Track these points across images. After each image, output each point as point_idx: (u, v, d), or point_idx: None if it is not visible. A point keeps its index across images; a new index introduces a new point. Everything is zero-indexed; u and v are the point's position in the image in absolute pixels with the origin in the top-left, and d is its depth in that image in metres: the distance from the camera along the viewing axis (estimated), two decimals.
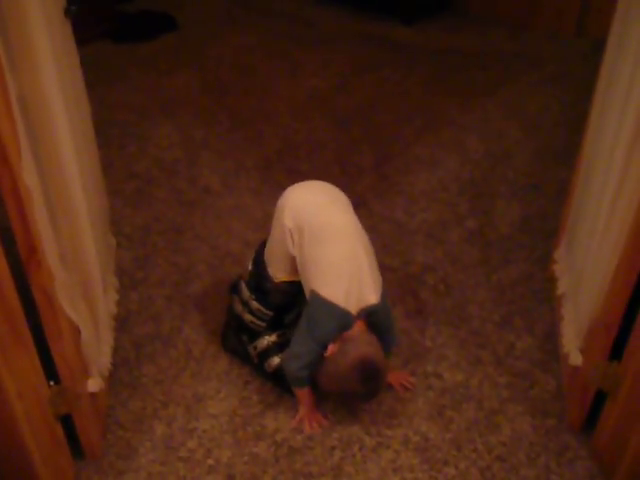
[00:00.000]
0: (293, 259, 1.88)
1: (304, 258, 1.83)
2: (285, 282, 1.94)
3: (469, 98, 3.29)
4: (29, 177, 1.37)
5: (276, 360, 1.95)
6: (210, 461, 1.83)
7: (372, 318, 1.82)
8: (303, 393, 1.92)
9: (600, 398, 1.82)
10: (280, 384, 1.97)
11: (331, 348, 1.79)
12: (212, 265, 2.40)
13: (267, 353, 1.98)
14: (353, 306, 1.78)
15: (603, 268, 1.71)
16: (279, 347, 1.96)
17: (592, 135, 1.94)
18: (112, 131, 3.02)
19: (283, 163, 2.86)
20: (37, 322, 1.54)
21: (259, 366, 2.00)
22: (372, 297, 1.79)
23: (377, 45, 3.82)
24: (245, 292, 2.00)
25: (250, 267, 2.02)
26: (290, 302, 1.97)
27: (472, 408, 1.97)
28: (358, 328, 1.80)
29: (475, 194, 2.72)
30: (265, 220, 2.44)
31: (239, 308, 2.02)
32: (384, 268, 2.37)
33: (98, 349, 1.77)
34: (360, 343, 1.79)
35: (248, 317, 1.99)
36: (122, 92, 3.29)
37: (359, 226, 1.89)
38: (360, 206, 2.65)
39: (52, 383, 1.64)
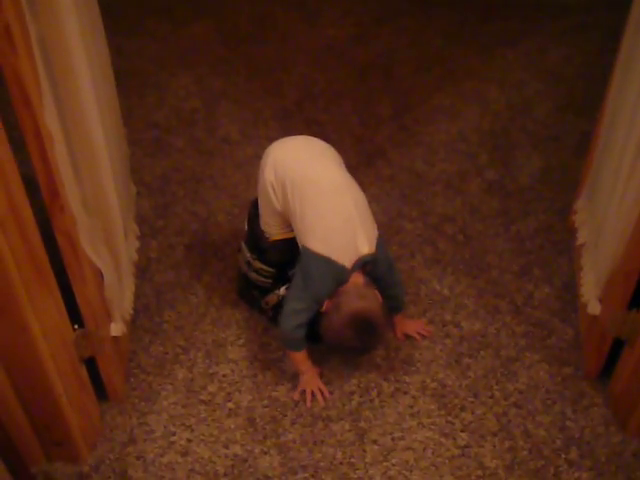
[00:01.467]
0: (282, 215, 1.86)
1: (291, 213, 1.80)
2: (281, 240, 1.92)
3: (490, 48, 3.23)
4: (50, 120, 1.37)
5: None
6: (230, 404, 1.87)
7: (371, 270, 1.80)
8: (300, 358, 1.88)
9: (617, 347, 1.83)
10: None
11: (327, 304, 1.77)
12: (231, 214, 2.40)
13: (279, 307, 1.97)
14: (346, 259, 1.74)
15: (624, 218, 1.70)
16: None
17: (617, 87, 1.91)
18: (131, 81, 3.00)
19: (302, 113, 2.84)
20: (62, 268, 1.57)
21: (273, 319, 2.02)
22: (365, 248, 1.75)
23: None
24: (246, 252, 2.01)
25: (246, 227, 2.01)
26: (290, 257, 1.94)
27: (489, 356, 1.99)
28: (354, 281, 1.77)
29: (495, 145, 2.69)
30: None
31: (244, 268, 2.03)
32: (403, 218, 2.39)
33: (120, 294, 1.79)
34: (352, 297, 1.74)
35: (253, 275, 2.00)
36: (139, 42, 3.26)
37: (348, 180, 1.85)
38: (379, 156, 2.65)
39: (76, 327, 1.67)
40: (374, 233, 1.79)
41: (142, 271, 2.20)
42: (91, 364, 1.76)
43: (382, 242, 1.81)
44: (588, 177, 2.11)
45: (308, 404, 1.87)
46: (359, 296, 1.75)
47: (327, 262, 1.73)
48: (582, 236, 2.07)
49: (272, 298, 2.00)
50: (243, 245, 2.02)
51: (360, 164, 2.58)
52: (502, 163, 2.61)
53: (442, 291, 2.15)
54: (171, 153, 2.67)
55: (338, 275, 1.75)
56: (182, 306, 2.11)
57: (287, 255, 1.93)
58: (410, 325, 2.03)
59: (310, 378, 1.89)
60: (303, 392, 1.89)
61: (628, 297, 1.74)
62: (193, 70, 3.09)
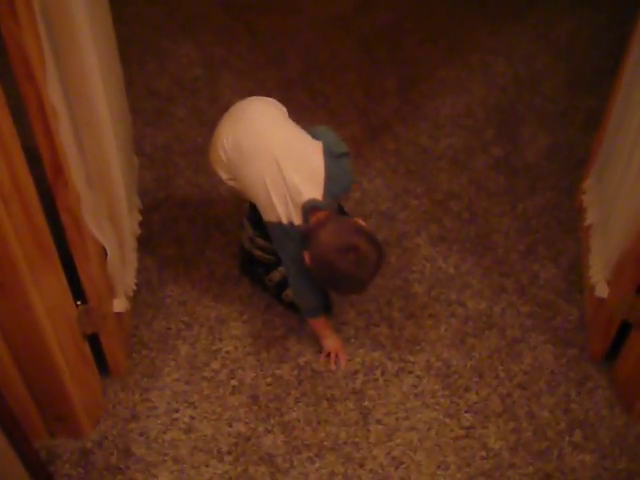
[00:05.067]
0: None
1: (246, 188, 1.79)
2: None
3: (497, 20, 3.17)
4: (54, 94, 1.33)
5: (290, 293, 1.94)
6: (234, 382, 1.86)
7: (326, 206, 1.72)
8: (319, 324, 1.88)
9: (623, 329, 1.82)
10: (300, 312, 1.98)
11: (306, 257, 1.68)
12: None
13: (283, 284, 1.97)
14: (295, 214, 1.69)
15: (637, 200, 1.68)
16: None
17: (633, 61, 1.86)
18: (131, 48, 2.94)
19: (305, 84, 2.79)
20: (65, 245, 1.54)
21: (278, 296, 2.00)
22: (306, 194, 1.68)
23: None
24: (249, 229, 1.98)
25: (248, 202, 1.96)
26: None
27: (494, 336, 1.98)
28: (316, 222, 1.69)
29: (501, 120, 2.65)
30: None
31: (247, 244, 2.00)
32: (408, 194, 2.36)
33: (123, 270, 1.77)
34: (319, 244, 1.65)
35: (257, 252, 1.98)
36: (140, 8, 3.18)
37: (278, 125, 1.81)
38: (384, 130, 2.60)
39: (79, 303, 1.65)
40: (316, 176, 1.71)
41: (144, 244, 2.17)
42: (94, 340, 1.74)
43: (331, 151, 1.76)
44: (598, 156, 2.08)
45: (332, 366, 1.88)
46: (325, 239, 1.65)
47: (281, 228, 1.71)
48: (591, 217, 2.05)
49: (275, 275, 1.98)
50: (245, 221, 1.99)
51: (365, 138, 2.54)
52: (509, 139, 2.57)
53: (447, 269, 2.13)
54: (173, 123, 2.62)
55: (295, 235, 1.71)
56: (185, 281, 2.09)
57: None
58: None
59: (333, 342, 1.90)
60: (327, 355, 1.90)
61: (638, 281, 1.73)
62: (195, 38, 3.02)
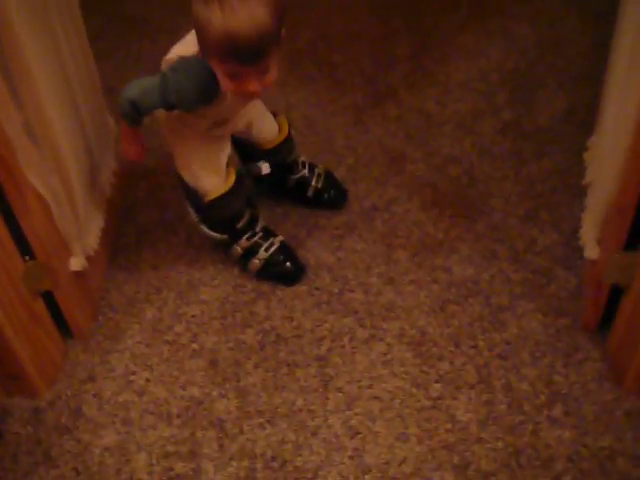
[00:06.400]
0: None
1: None
2: (217, 198, 1.78)
3: None
4: None
5: (255, 263, 1.88)
6: (195, 345, 1.79)
7: None
8: (129, 131, 1.72)
9: (619, 296, 1.64)
10: (270, 278, 1.90)
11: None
12: None
13: (244, 259, 1.90)
14: None
15: (621, 149, 1.50)
16: (252, 250, 1.88)
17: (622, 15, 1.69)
18: (144, 26, 2.94)
19: (314, 54, 2.69)
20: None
21: (245, 269, 1.92)
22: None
23: None
24: (192, 215, 1.88)
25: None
26: (237, 210, 1.85)
27: (478, 304, 1.82)
28: None
29: (517, 84, 2.47)
30: (287, 110, 2.32)
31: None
32: (404, 159, 2.23)
33: (78, 227, 1.73)
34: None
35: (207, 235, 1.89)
36: None
37: None
38: (389, 97, 2.47)
39: (27, 258, 1.62)
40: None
41: (128, 211, 2.14)
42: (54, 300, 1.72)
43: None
44: (599, 111, 1.90)
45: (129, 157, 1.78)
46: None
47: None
48: (590, 174, 1.86)
49: (235, 251, 1.90)
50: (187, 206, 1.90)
51: (366, 105, 2.43)
52: (522, 103, 2.40)
53: (436, 234, 1.99)
54: None
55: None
56: (162, 246, 2.04)
57: (229, 212, 1.84)
58: None
59: (129, 146, 1.75)
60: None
61: (623, 236, 1.54)
62: None
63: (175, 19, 2.99)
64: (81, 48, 1.82)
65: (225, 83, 1.51)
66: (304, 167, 2.05)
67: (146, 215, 2.13)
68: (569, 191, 2.08)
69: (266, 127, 1.91)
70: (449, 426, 1.59)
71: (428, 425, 1.60)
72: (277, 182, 2.05)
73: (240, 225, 1.85)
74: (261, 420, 1.63)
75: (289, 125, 1.95)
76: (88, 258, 1.79)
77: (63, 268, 1.71)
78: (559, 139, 2.24)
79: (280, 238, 1.91)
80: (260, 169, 1.90)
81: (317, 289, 1.88)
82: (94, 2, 2.39)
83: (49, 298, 1.72)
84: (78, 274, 1.77)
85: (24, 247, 1.61)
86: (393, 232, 2.01)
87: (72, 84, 1.73)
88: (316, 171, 2.06)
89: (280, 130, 1.93)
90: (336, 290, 1.88)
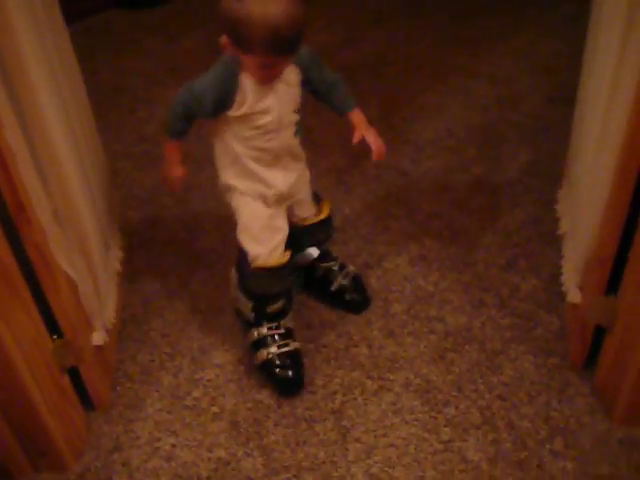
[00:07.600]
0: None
1: None
2: (264, 268, 1.78)
3: (480, 44, 3.23)
4: (12, 135, 1.40)
5: (263, 354, 1.89)
6: (214, 408, 1.88)
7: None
8: (172, 148, 1.84)
9: (602, 334, 1.81)
10: (268, 377, 1.91)
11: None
12: (218, 221, 2.41)
13: (255, 345, 1.91)
14: None
15: (598, 202, 1.69)
16: (266, 342, 1.90)
17: (587, 69, 1.90)
18: (123, 97, 3.06)
19: None
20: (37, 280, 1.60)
21: (250, 356, 1.95)
22: None
23: None
24: (234, 278, 1.92)
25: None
26: (274, 291, 1.85)
27: (474, 350, 1.98)
28: None
29: (483, 140, 2.68)
30: None
31: (234, 293, 1.94)
32: (389, 217, 2.39)
33: (99, 303, 1.82)
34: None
35: (236, 306, 1.95)
36: (132, 58, 3.32)
37: None
38: (365, 157, 2.62)
39: (55, 337, 1.70)
40: None
41: (130, 281, 2.23)
42: (78, 375, 1.79)
43: None
44: (568, 165, 2.10)
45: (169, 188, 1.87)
46: None
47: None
48: (564, 225, 2.06)
49: (252, 335, 1.92)
50: (233, 271, 1.94)
51: (347, 166, 2.59)
52: (490, 157, 2.60)
53: (427, 287, 2.15)
54: (160, 165, 2.68)
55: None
56: (169, 314, 2.13)
57: (269, 287, 1.84)
58: (370, 131, 1.90)
59: (170, 168, 1.84)
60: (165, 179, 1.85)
61: (604, 283, 1.72)
62: (183, 82, 3.12)
63: (150, 89, 3.13)
64: (91, 128, 1.93)
65: (256, 74, 1.62)
66: (335, 261, 2.08)
67: (150, 285, 2.22)
68: (543, 239, 2.27)
69: (306, 205, 1.94)
70: (462, 466, 1.72)
71: (443, 467, 1.73)
72: (306, 271, 2.08)
73: (270, 310, 1.86)
74: (288, 475, 1.73)
75: (330, 210, 1.98)
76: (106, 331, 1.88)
77: (87, 343, 1.79)
78: (528, 191, 2.44)
79: (297, 345, 1.90)
80: (310, 254, 2.02)
81: (324, 346, 2.00)
82: None
83: (72, 373, 1.79)
84: (98, 348, 1.86)
85: (51, 326, 1.69)
86: (387, 287, 2.15)
87: (85, 162, 1.84)
88: (345, 270, 2.08)
89: (321, 211, 1.96)
90: (342, 346, 2.00)
